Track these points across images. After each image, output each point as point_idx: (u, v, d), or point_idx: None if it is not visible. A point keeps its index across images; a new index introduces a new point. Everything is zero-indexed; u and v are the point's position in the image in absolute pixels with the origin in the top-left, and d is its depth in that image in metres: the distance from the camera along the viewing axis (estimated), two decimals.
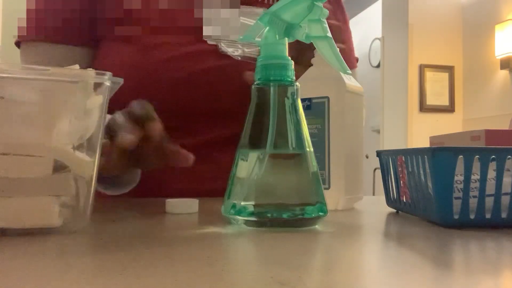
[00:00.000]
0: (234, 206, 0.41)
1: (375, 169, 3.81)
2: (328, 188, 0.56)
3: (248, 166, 0.42)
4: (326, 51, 0.41)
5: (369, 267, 0.30)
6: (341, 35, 0.85)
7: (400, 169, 0.53)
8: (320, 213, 0.42)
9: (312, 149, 0.44)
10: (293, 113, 0.43)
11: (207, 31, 0.70)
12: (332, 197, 0.56)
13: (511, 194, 0.43)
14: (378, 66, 4.45)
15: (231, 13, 0.74)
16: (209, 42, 0.71)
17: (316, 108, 0.57)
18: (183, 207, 0.51)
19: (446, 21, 3.59)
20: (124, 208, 0.57)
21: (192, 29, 0.70)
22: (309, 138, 0.44)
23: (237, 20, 0.73)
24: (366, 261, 0.31)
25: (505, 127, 0.70)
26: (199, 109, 0.72)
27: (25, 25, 0.71)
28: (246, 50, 0.74)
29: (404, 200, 0.53)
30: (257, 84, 0.43)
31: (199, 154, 0.60)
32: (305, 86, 0.59)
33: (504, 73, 3.17)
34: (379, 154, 0.59)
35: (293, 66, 0.43)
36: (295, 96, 0.44)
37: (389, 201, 0.58)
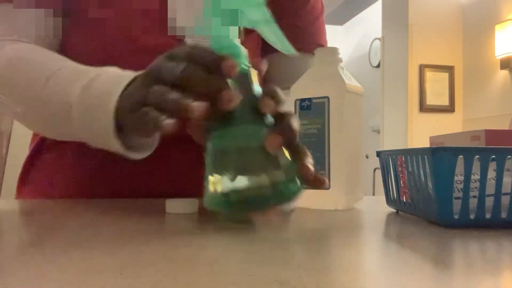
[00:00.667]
0: (216, 197, 0.40)
1: (375, 169, 3.82)
2: (328, 188, 0.55)
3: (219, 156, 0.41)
4: (268, 35, 0.41)
5: (369, 267, 0.30)
6: None
7: (400, 169, 0.53)
8: (297, 188, 0.41)
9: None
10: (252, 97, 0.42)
11: (171, 22, 0.68)
12: (332, 197, 0.56)
13: (511, 194, 0.43)
14: (378, 66, 4.46)
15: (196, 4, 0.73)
16: (178, 36, 0.68)
17: (316, 108, 0.57)
18: (183, 207, 0.51)
19: (446, 21, 3.59)
20: (124, 208, 0.57)
21: (158, 22, 0.69)
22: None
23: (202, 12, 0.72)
24: (366, 261, 0.31)
25: (505, 127, 0.70)
26: None
27: None
28: None
29: (404, 200, 0.53)
30: None
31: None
32: (305, 86, 0.59)
33: (504, 73, 3.17)
34: (379, 154, 0.59)
35: (244, 51, 0.42)
36: (251, 81, 0.42)
37: (389, 201, 0.58)
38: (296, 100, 0.58)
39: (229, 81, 0.41)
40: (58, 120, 0.57)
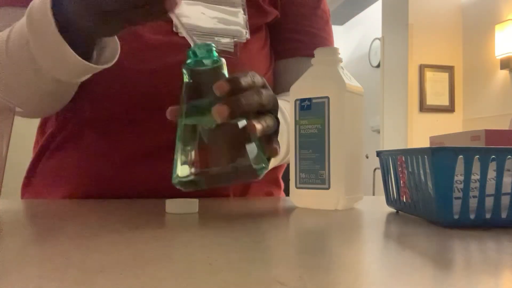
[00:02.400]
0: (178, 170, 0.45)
1: (375, 169, 3.82)
2: (328, 188, 0.56)
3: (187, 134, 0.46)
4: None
5: (369, 267, 0.30)
6: None
7: (400, 169, 0.53)
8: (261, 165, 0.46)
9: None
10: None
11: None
12: (332, 197, 0.56)
13: (511, 194, 0.43)
14: (378, 66, 4.45)
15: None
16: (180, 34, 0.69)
17: (316, 108, 0.57)
18: (183, 207, 0.51)
19: (446, 21, 3.59)
20: (124, 208, 0.57)
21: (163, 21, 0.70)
22: None
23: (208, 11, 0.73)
24: (366, 261, 0.31)
25: (505, 127, 0.70)
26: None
27: None
28: (222, 41, 0.73)
29: (404, 200, 0.53)
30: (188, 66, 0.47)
31: None
32: (305, 86, 0.59)
33: (504, 73, 3.17)
34: (379, 154, 0.59)
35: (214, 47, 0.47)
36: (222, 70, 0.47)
37: (389, 201, 0.58)
38: (296, 100, 0.58)
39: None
40: (21, 62, 0.60)
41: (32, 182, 0.78)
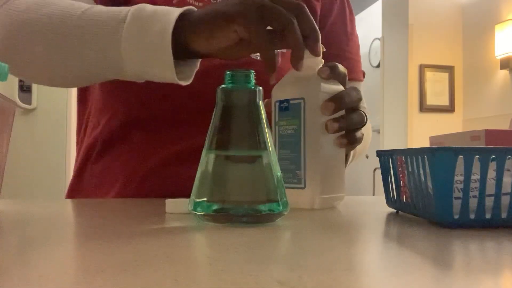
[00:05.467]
0: (198, 203, 0.44)
1: (375, 169, 3.82)
2: (303, 188, 0.56)
3: (211, 166, 0.45)
4: None
5: (369, 267, 0.30)
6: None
7: (400, 169, 0.53)
8: (282, 209, 0.44)
9: (274, 152, 0.46)
10: (256, 116, 0.46)
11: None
12: (308, 197, 0.56)
13: (511, 194, 0.43)
14: (378, 66, 4.46)
15: None
16: None
17: (293, 109, 0.58)
18: (183, 207, 0.51)
19: (446, 21, 3.59)
20: (124, 208, 0.57)
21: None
22: (270, 140, 0.46)
23: None
24: (366, 261, 0.31)
25: (505, 127, 0.70)
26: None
27: None
28: None
29: (404, 200, 0.53)
30: (224, 87, 0.46)
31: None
32: (284, 89, 0.60)
33: (504, 73, 3.17)
34: (379, 154, 0.59)
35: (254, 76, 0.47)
36: (258, 100, 0.46)
37: (389, 201, 0.58)
38: (276, 101, 0.59)
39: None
40: (102, 40, 0.56)
41: (81, 183, 0.78)
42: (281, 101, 0.59)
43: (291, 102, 0.58)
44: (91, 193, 0.75)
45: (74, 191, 0.79)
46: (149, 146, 0.72)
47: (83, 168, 0.78)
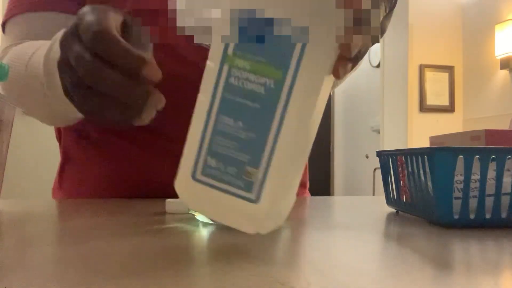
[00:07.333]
0: None
1: (375, 169, 3.82)
2: (254, 201, 0.32)
3: None
4: None
5: (369, 267, 0.30)
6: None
7: (400, 169, 0.53)
8: None
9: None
10: None
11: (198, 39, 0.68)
12: (258, 215, 0.31)
13: (511, 194, 0.43)
14: (378, 66, 4.45)
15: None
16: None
17: (277, 42, 0.32)
18: (183, 207, 0.51)
19: (446, 21, 3.59)
20: (124, 208, 0.57)
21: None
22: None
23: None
24: (366, 261, 0.31)
25: (505, 127, 0.70)
26: None
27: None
28: None
29: (404, 200, 0.53)
30: None
31: None
32: None
33: (504, 73, 3.17)
34: (379, 154, 0.59)
35: None
36: None
37: (389, 201, 0.58)
38: (233, 14, 0.31)
39: None
40: (40, 98, 0.59)
41: (62, 183, 0.78)
42: (247, 16, 0.31)
43: (275, 24, 0.30)
44: (72, 192, 0.76)
45: (56, 189, 0.79)
46: (125, 152, 0.72)
47: (63, 168, 0.79)
